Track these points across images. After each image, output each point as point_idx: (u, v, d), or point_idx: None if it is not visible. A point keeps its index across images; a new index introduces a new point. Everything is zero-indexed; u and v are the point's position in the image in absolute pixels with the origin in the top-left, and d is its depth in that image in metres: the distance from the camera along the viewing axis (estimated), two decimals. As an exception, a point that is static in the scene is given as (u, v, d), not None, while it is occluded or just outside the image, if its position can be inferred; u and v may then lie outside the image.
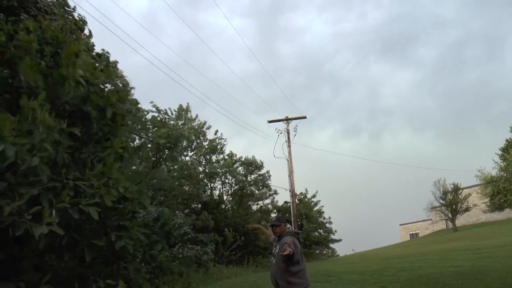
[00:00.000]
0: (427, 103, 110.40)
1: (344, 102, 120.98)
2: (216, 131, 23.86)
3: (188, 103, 21.95)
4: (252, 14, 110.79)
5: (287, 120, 22.79)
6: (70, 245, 3.44)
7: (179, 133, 15.31)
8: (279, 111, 41.90)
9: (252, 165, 25.16)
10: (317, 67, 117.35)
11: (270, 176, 26.15)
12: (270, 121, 22.99)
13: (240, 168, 25.13)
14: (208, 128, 23.21)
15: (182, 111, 21.27)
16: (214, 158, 23.98)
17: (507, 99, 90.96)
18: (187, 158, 20.88)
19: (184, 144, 18.75)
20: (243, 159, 25.15)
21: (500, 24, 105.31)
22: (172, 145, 14.61)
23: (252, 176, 25.51)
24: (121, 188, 3.54)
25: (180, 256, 11.76)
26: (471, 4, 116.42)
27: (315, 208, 31.31)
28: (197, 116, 22.40)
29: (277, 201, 27.61)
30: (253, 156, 25.46)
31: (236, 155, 24.93)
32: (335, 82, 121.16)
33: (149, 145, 15.75)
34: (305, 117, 23.00)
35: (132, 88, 11.73)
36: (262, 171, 25.85)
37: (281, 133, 22.53)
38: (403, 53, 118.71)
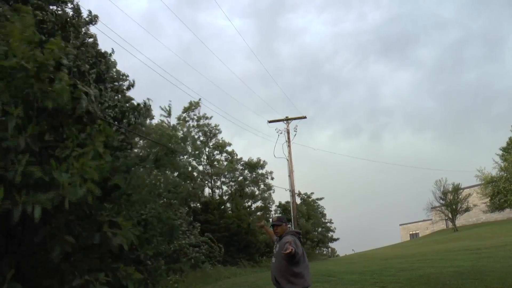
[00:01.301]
0: (427, 103, 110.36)
1: (344, 102, 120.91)
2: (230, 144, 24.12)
3: (200, 98, 22.00)
4: (251, 15, 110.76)
5: (287, 120, 22.76)
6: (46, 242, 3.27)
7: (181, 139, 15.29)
8: (278, 112, 42.02)
9: (256, 166, 25.39)
10: (316, 68, 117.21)
11: (272, 177, 26.29)
12: (270, 121, 22.98)
13: (240, 167, 25.23)
14: (219, 132, 23.34)
15: (192, 106, 21.30)
16: (218, 157, 24.08)
17: (507, 99, 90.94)
18: (186, 158, 20.89)
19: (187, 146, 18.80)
20: (244, 161, 25.30)
21: (500, 25, 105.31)
22: (171, 152, 14.54)
23: (253, 174, 25.63)
24: (90, 184, 3.21)
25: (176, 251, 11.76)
26: (470, 4, 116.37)
27: (318, 209, 31.50)
28: (205, 115, 22.56)
29: (272, 201, 27.75)
30: (258, 158, 25.67)
31: (237, 154, 25.03)
32: (334, 83, 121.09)
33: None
34: (305, 117, 22.99)
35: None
36: (263, 170, 26.07)
37: (281, 133, 22.52)
38: (402, 53, 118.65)
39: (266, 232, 5.15)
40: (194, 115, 22.13)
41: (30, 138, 3.12)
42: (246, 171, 25.41)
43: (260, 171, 25.82)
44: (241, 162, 25.33)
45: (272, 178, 26.37)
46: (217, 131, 23.39)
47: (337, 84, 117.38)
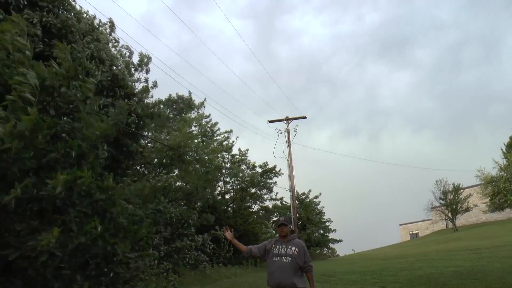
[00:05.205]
0: (426, 104, 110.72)
1: (343, 103, 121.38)
2: (236, 140, 23.86)
3: (205, 98, 21.62)
4: (249, 17, 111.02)
5: (287, 120, 22.76)
6: None
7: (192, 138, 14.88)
8: (278, 112, 41.99)
9: (270, 172, 25.38)
10: (315, 69, 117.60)
11: (279, 176, 26.19)
12: (270, 121, 22.98)
13: (243, 168, 25.15)
14: (217, 129, 23.15)
15: (194, 103, 21.00)
16: (226, 158, 23.88)
17: (505, 100, 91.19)
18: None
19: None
20: (260, 164, 25.34)
21: (497, 26, 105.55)
22: (182, 152, 14.16)
23: (265, 179, 25.69)
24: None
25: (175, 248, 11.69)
26: (468, 6, 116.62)
27: (316, 209, 31.40)
28: (210, 114, 22.42)
29: (273, 200, 27.71)
30: (275, 166, 25.61)
31: (246, 152, 25.00)
32: (333, 84, 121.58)
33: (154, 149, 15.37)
34: (305, 117, 22.98)
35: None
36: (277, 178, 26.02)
37: (281, 133, 22.52)
38: (400, 54, 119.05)
39: (234, 243, 4.73)
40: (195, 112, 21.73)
41: None
42: (258, 174, 25.40)
43: (273, 179, 25.93)
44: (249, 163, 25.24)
45: (275, 183, 26.50)
46: (218, 132, 23.17)
47: (335, 85, 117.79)
